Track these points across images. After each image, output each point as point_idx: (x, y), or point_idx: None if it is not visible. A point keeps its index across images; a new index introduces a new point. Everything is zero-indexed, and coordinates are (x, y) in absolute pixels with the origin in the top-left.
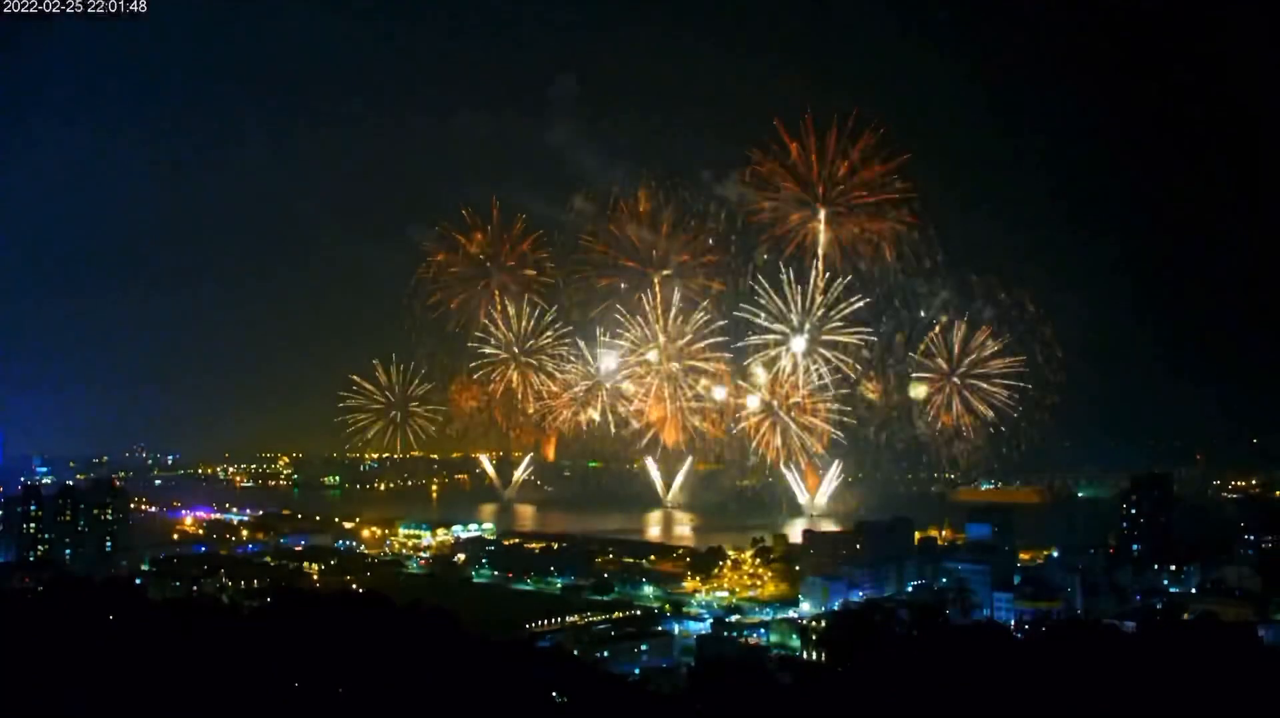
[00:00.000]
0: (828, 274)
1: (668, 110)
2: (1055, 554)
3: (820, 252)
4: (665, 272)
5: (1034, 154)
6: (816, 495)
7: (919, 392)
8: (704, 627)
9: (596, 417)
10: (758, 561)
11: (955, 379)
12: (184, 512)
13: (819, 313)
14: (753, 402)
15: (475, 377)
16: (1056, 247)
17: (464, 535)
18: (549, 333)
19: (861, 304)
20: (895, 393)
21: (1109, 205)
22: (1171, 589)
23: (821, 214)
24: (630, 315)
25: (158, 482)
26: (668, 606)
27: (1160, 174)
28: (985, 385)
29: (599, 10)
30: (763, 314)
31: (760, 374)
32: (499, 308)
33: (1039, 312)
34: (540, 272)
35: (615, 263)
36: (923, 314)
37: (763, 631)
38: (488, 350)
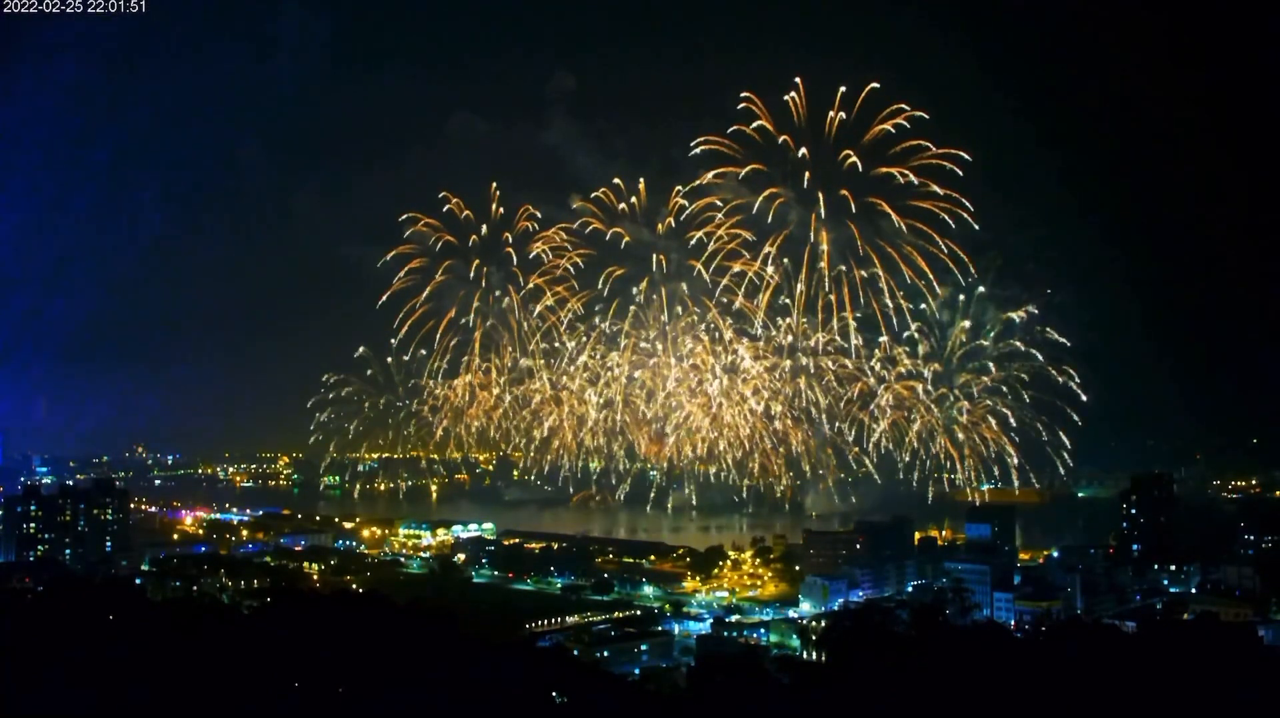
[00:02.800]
0: (824, 278)
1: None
2: (1055, 554)
3: (823, 249)
4: (676, 281)
5: (1033, 151)
6: (817, 497)
7: (917, 397)
8: (704, 627)
9: (596, 418)
10: (758, 561)
11: (956, 390)
12: (184, 512)
13: (817, 321)
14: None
15: (475, 379)
16: (1057, 247)
17: (464, 535)
18: (549, 337)
19: (860, 314)
20: (895, 399)
21: (1110, 205)
22: (1171, 589)
23: (821, 213)
24: (637, 323)
25: (158, 482)
26: (668, 606)
27: (1163, 175)
28: (981, 391)
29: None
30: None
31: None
32: (490, 301)
33: (1040, 311)
34: (542, 275)
35: (616, 266)
36: (922, 314)
37: (763, 631)
38: (488, 355)
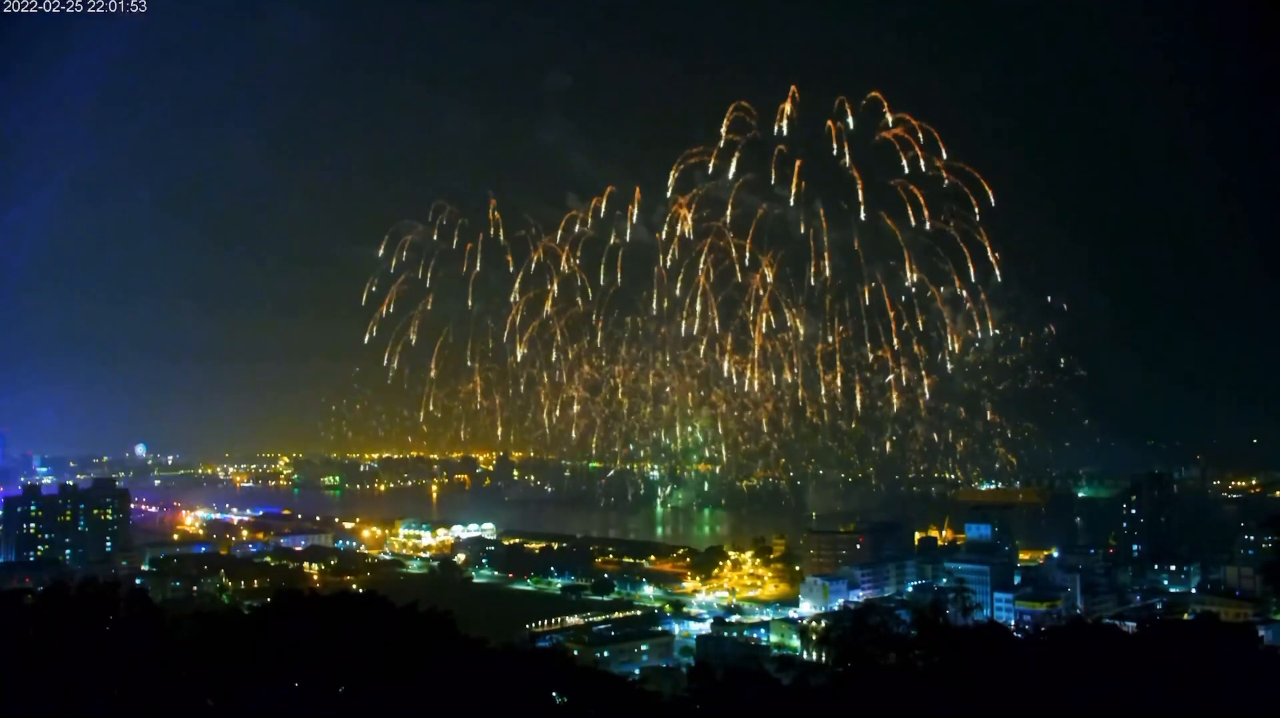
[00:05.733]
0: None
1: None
2: (1055, 554)
3: (825, 257)
4: (676, 288)
5: (1033, 154)
6: (817, 497)
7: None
8: (704, 627)
9: (597, 423)
10: (758, 561)
11: (959, 397)
12: (184, 512)
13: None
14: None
15: (476, 385)
16: (1056, 247)
17: (464, 536)
18: (549, 344)
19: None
20: (896, 403)
21: (1110, 207)
22: (1171, 589)
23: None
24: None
25: (157, 482)
26: (668, 606)
27: (1164, 177)
28: (982, 395)
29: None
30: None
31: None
32: (489, 307)
33: (1042, 314)
34: (540, 284)
35: (614, 274)
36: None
37: (763, 631)
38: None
